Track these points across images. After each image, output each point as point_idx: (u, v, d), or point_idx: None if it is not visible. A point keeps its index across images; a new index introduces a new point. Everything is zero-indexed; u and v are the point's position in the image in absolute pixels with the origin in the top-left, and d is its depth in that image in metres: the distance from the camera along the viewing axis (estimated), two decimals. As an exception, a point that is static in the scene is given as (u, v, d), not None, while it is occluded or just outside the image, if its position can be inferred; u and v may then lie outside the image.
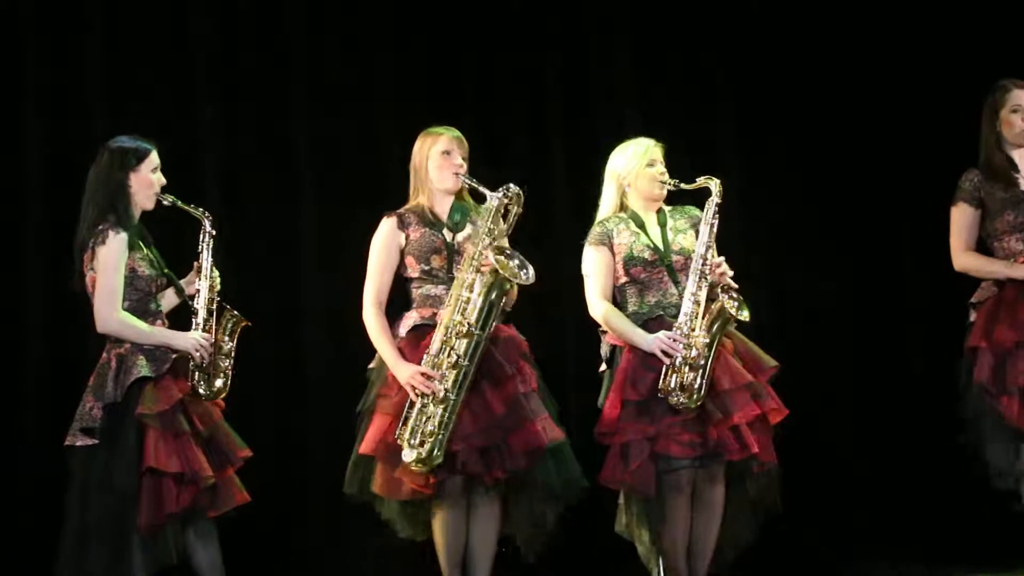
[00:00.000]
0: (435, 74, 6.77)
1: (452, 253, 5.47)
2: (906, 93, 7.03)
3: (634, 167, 5.59)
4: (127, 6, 6.45)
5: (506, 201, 5.39)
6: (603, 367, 5.61)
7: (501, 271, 5.27)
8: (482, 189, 5.43)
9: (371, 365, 5.51)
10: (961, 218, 5.76)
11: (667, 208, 5.65)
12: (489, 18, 6.87)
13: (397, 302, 5.54)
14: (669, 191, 5.59)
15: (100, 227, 5.25)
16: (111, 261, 5.22)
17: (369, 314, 5.47)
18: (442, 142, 5.51)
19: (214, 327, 5.36)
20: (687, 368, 5.38)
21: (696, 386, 5.37)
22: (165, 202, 5.36)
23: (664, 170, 5.58)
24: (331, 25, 6.66)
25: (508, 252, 5.34)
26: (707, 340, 5.39)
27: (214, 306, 5.39)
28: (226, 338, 5.40)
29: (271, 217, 6.54)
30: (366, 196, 6.24)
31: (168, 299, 5.43)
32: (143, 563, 5.17)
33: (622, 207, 5.64)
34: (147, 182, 5.32)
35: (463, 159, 5.52)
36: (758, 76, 7.04)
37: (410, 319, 5.48)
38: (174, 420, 5.21)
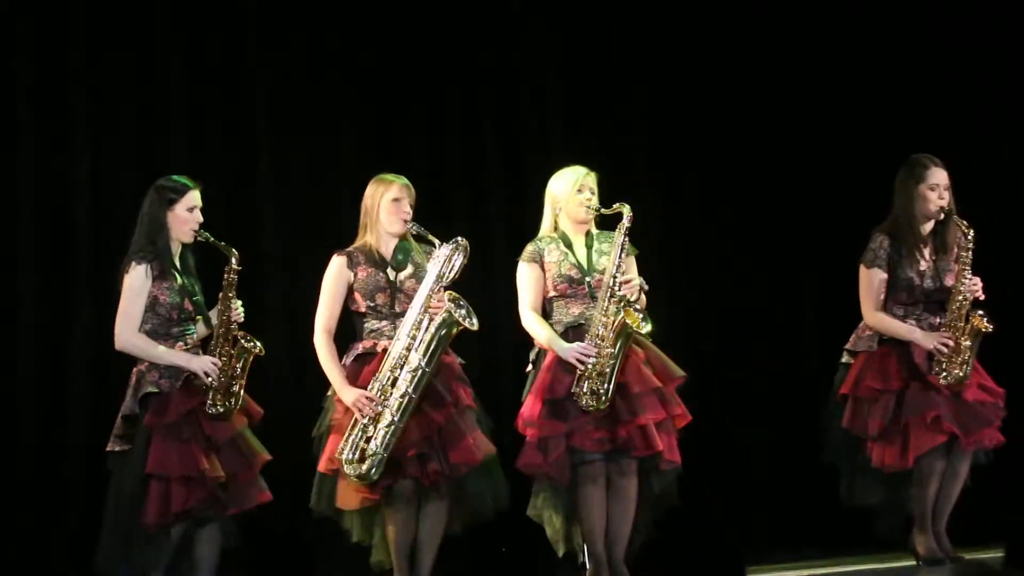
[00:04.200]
0: (383, 117, 7.31)
1: (395, 291, 5.98)
2: (817, 117, 7.58)
3: (565, 192, 6.08)
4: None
5: (455, 254, 5.91)
6: (529, 367, 6.11)
7: (452, 315, 5.81)
8: (431, 238, 5.95)
9: (328, 393, 6.00)
10: (873, 281, 6.15)
11: (595, 232, 6.12)
12: (430, 55, 7.37)
13: (346, 331, 6.02)
14: (602, 215, 6.05)
15: (131, 257, 5.79)
16: (130, 288, 5.78)
17: (320, 340, 5.98)
18: (394, 190, 6.00)
19: (229, 353, 5.76)
20: (596, 374, 5.86)
21: (603, 390, 5.85)
22: (200, 238, 5.81)
23: (592, 196, 6.04)
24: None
25: (460, 302, 5.87)
26: (613, 350, 5.86)
27: (230, 335, 5.79)
28: (238, 365, 5.78)
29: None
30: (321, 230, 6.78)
31: (201, 328, 5.88)
32: (154, 556, 5.68)
33: (556, 227, 6.13)
34: (182, 219, 5.82)
35: (411, 206, 6.02)
36: (674, 111, 7.56)
37: (356, 349, 6.00)
38: (180, 429, 5.68)
